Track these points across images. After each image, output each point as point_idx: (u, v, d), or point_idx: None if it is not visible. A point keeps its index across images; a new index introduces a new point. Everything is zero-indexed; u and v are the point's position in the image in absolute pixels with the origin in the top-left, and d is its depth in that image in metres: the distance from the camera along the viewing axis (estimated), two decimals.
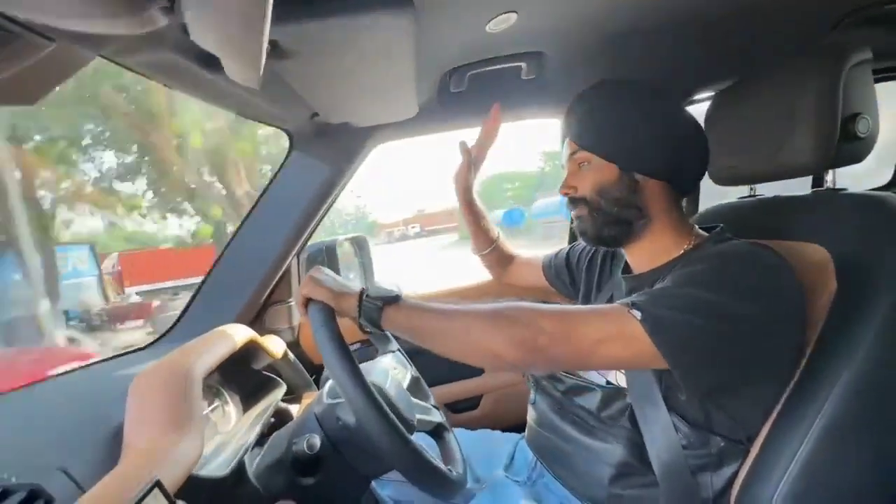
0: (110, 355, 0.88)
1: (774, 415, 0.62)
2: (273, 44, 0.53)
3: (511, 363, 0.55)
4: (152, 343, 0.99)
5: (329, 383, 0.74)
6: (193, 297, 1.05)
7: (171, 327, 1.04)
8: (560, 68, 0.90)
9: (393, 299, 0.61)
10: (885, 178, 1.36)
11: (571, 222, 1.32)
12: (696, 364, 0.54)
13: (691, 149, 0.69)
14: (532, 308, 0.56)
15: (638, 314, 0.53)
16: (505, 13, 0.67)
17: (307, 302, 0.65)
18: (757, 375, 0.60)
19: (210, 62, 0.56)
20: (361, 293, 0.63)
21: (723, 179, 0.83)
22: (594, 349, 0.54)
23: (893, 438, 0.58)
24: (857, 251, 0.62)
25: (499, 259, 1.13)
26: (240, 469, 0.63)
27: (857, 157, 0.69)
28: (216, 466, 0.62)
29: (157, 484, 0.42)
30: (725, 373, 0.56)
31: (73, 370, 0.80)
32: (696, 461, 0.62)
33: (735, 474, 0.63)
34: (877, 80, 1.08)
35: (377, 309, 0.61)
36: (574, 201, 0.72)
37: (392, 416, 0.58)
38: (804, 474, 0.58)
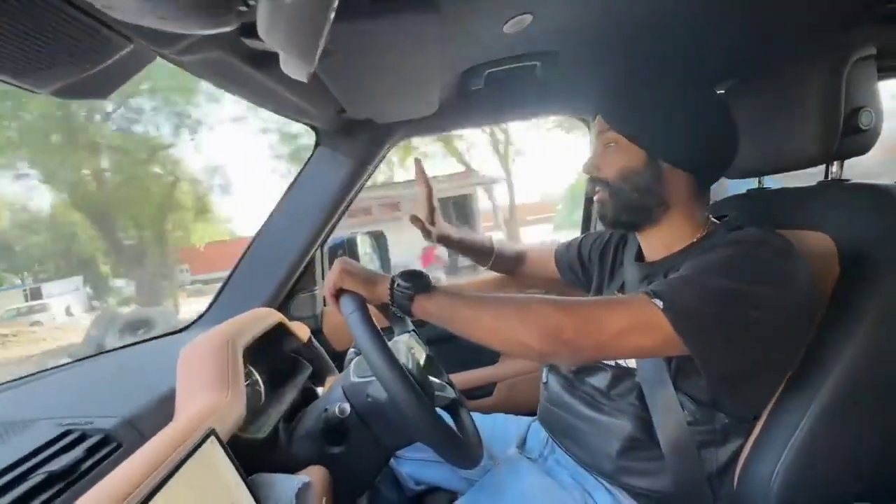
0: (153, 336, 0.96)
1: (778, 393, 0.65)
2: None
3: (538, 353, 0.59)
4: (188, 326, 1.06)
5: (354, 363, 0.79)
6: (224, 285, 1.12)
7: (204, 313, 1.11)
8: (573, 67, 0.93)
9: (423, 288, 0.64)
10: None
11: (588, 207, 1.35)
12: (718, 350, 0.56)
13: (721, 143, 0.70)
14: (557, 301, 0.59)
15: (660, 303, 0.55)
16: (521, 14, 0.71)
17: (339, 292, 0.68)
18: (773, 358, 0.61)
19: (255, 61, 0.62)
20: (392, 282, 0.66)
21: (732, 172, 0.86)
22: (617, 339, 0.57)
23: (891, 416, 0.61)
24: (860, 238, 0.64)
25: (507, 264, 1.13)
26: (275, 435, 0.69)
27: (860, 150, 0.72)
28: (253, 432, 0.67)
29: (213, 433, 0.48)
30: (746, 358, 0.58)
31: (123, 346, 0.87)
32: (701, 437, 0.65)
33: (739, 450, 0.66)
34: (886, 77, 1.10)
35: (408, 298, 0.64)
36: (595, 181, 0.73)
37: (421, 393, 0.62)
38: (804, 449, 0.61)
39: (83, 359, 0.81)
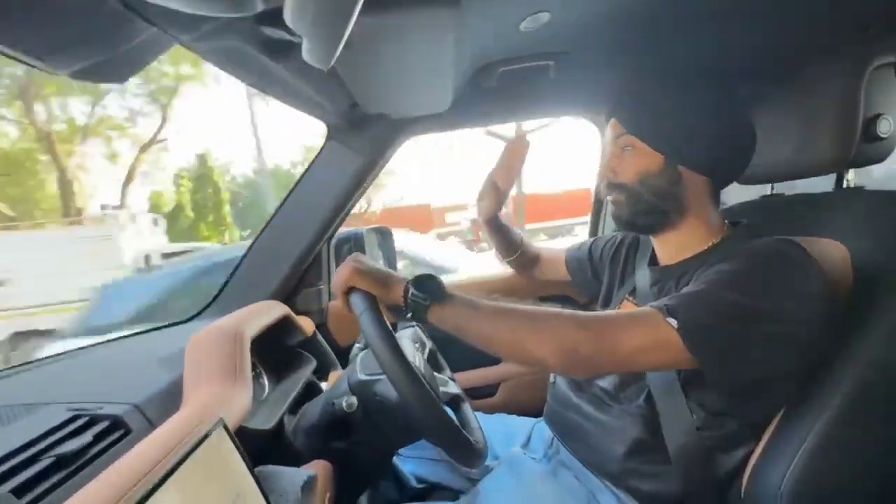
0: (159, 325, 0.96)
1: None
2: None
3: (553, 368, 0.60)
4: (195, 316, 1.06)
5: (360, 358, 0.79)
6: (231, 277, 1.12)
7: (209, 304, 1.11)
8: (587, 68, 0.93)
9: (439, 297, 0.62)
10: None
11: (599, 211, 1.35)
12: (730, 366, 0.56)
13: (739, 146, 0.70)
14: (574, 317, 0.58)
15: (674, 322, 0.55)
16: (538, 12, 0.70)
17: (350, 290, 0.65)
18: (786, 370, 0.61)
19: (272, 51, 0.61)
20: (406, 288, 0.63)
21: (745, 177, 0.86)
22: (633, 357, 0.57)
23: None
24: (874, 247, 0.63)
25: (525, 262, 1.15)
26: (280, 427, 0.68)
27: (878, 157, 0.71)
28: (257, 424, 0.67)
29: (222, 422, 0.47)
30: (758, 372, 0.58)
31: (130, 335, 0.88)
32: (709, 442, 0.64)
33: (748, 456, 0.65)
34: None
35: (424, 308, 0.62)
36: (612, 186, 0.73)
37: (436, 397, 0.61)
38: (814, 458, 0.60)
39: (93, 345, 0.81)
